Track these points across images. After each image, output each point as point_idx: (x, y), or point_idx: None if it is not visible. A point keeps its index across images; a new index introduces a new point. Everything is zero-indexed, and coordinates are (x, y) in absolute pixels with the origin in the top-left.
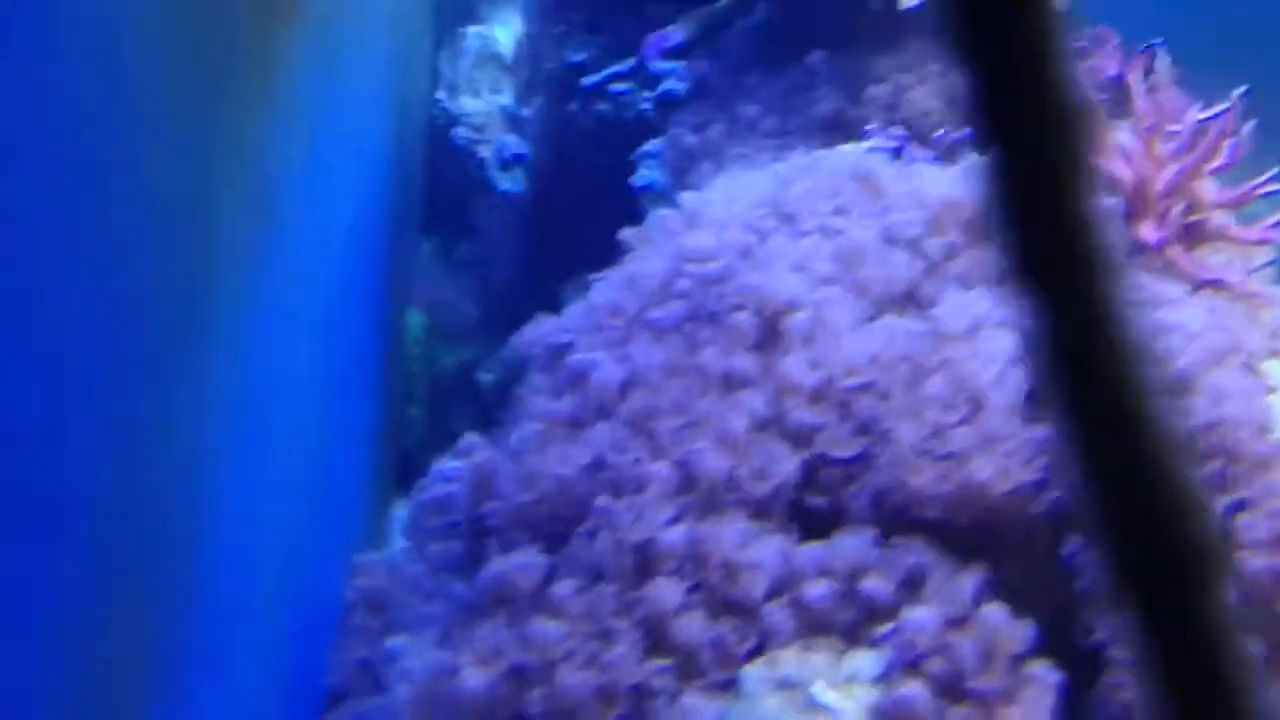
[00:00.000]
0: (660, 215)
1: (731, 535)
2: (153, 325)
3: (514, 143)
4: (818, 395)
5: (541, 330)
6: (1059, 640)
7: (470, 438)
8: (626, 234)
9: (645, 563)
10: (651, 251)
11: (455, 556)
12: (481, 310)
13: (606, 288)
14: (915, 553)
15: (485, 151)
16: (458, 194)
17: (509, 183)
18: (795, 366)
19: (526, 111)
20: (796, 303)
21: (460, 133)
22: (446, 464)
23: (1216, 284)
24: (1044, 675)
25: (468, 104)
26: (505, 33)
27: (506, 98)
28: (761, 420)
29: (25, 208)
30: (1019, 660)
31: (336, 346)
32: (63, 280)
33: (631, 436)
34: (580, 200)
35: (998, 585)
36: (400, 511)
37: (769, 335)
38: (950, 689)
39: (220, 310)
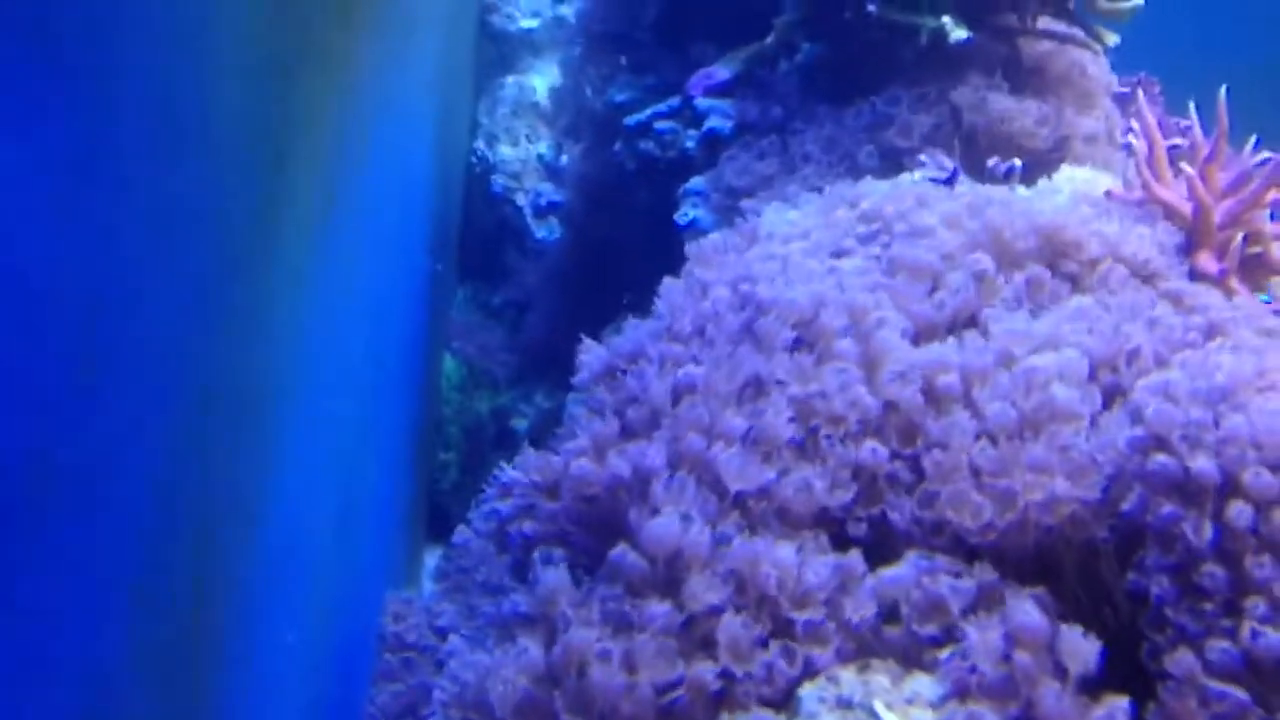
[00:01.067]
0: (721, 235)
1: (785, 552)
2: (219, 301)
3: (549, 190)
4: (868, 413)
5: (595, 352)
6: (1118, 662)
7: (527, 453)
8: (691, 249)
9: (684, 574)
10: (708, 270)
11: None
12: (516, 357)
13: (664, 307)
14: (975, 574)
15: (521, 199)
16: (494, 241)
17: (544, 230)
18: (845, 383)
19: (566, 156)
20: (853, 317)
21: (497, 180)
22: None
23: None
24: (1113, 700)
25: (505, 152)
26: (543, 81)
27: (543, 146)
28: (811, 436)
29: (115, 175)
30: (1085, 683)
31: (376, 383)
32: (143, 256)
33: (681, 449)
34: (623, 239)
35: (1058, 607)
36: (430, 559)
37: (822, 353)
38: (1013, 711)
39: (283, 294)
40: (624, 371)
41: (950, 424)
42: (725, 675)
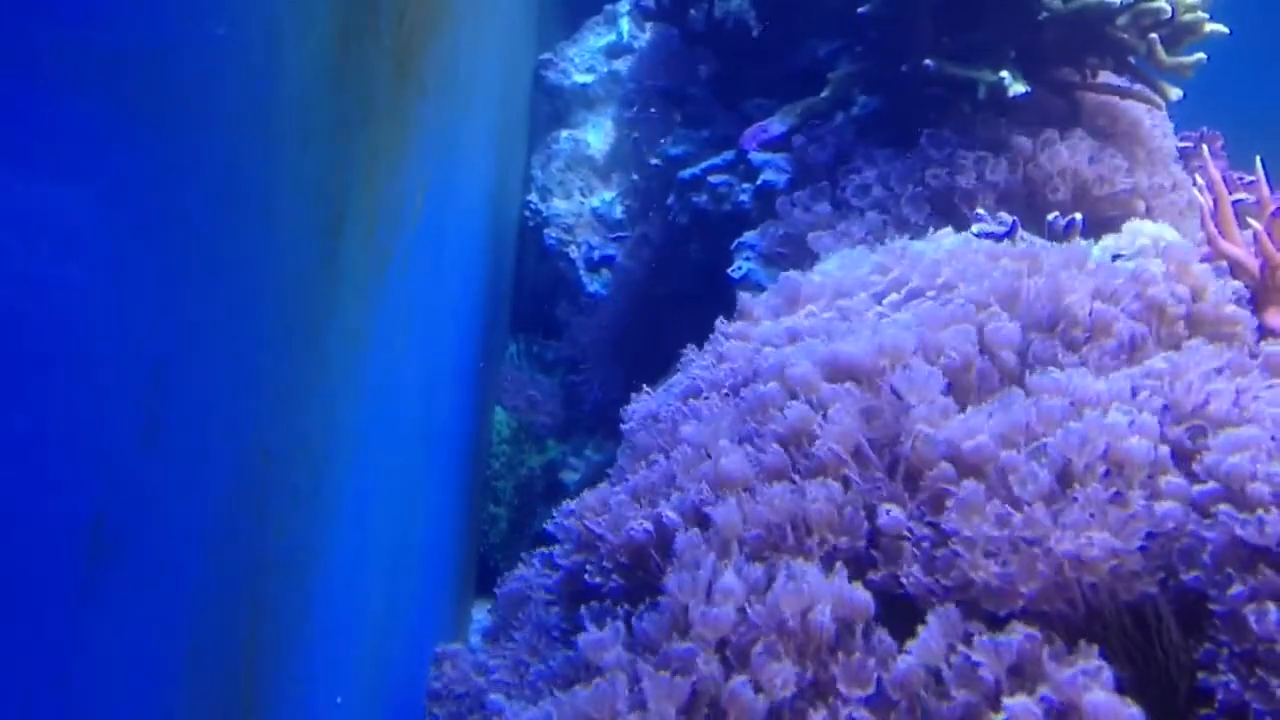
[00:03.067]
0: (766, 294)
1: (822, 616)
2: (278, 361)
3: (602, 244)
4: (904, 470)
5: (638, 405)
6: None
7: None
8: (746, 299)
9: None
10: (752, 327)
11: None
12: (567, 410)
13: (704, 365)
14: (1015, 635)
15: (574, 252)
16: (547, 294)
17: (597, 283)
18: (879, 440)
19: (619, 209)
20: (893, 368)
21: (550, 234)
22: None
23: None
24: None
25: (559, 206)
26: (597, 135)
27: (596, 199)
28: (844, 494)
29: (186, 226)
30: None
31: (428, 439)
32: (204, 317)
33: (712, 498)
34: (675, 292)
35: (1107, 671)
36: (478, 613)
37: (867, 411)
38: None
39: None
40: (658, 420)
41: (975, 487)
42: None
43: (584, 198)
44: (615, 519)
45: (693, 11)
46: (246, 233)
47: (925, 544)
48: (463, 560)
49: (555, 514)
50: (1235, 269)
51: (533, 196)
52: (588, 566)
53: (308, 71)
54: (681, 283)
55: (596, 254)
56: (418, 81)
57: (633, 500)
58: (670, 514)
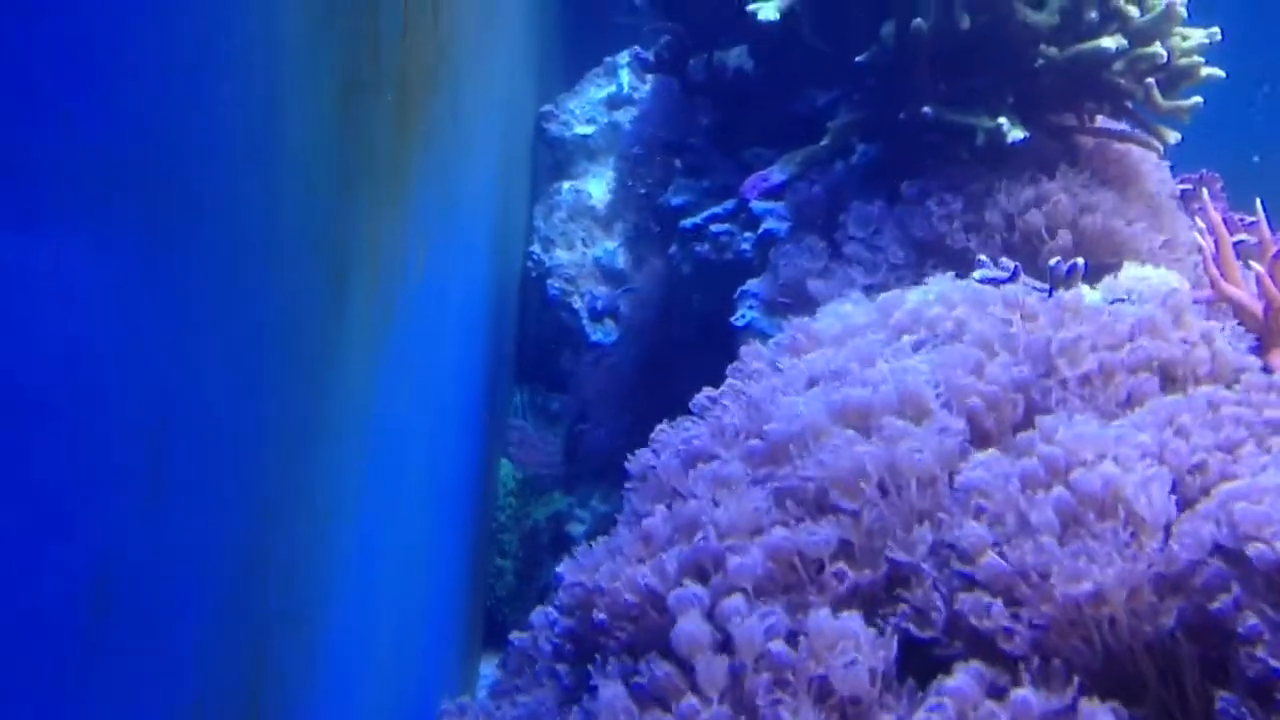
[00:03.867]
0: (769, 345)
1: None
2: (283, 414)
3: (605, 293)
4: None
5: (641, 458)
6: None
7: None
8: (747, 351)
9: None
10: (753, 383)
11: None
12: (572, 462)
13: (705, 424)
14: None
15: (578, 302)
16: (551, 344)
17: (600, 333)
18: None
19: (621, 259)
20: (912, 414)
21: (553, 285)
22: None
23: None
24: None
25: (561, 256)
26: (599, 186)
27: (599, 249)
28: (848, 546)
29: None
30: None
31: (434, 492)
32: (209, 368)
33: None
34: (678, 341)
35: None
36: (486, 667)
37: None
38: None
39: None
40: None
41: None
42: None
43: (586, 248)
44: (614, 575)
45: (692, 62)
46: (250, 285)
47: (943, 588)
48: (470, 614)
49: (560, 569)
50: (1238, 312)
51: (535, 247)
52: (592, 622)
53: (310, 126)
54: (686, 331)
55: (600, 304)
56: (419, 136)
57: (635, 556)
58: (671, 566)
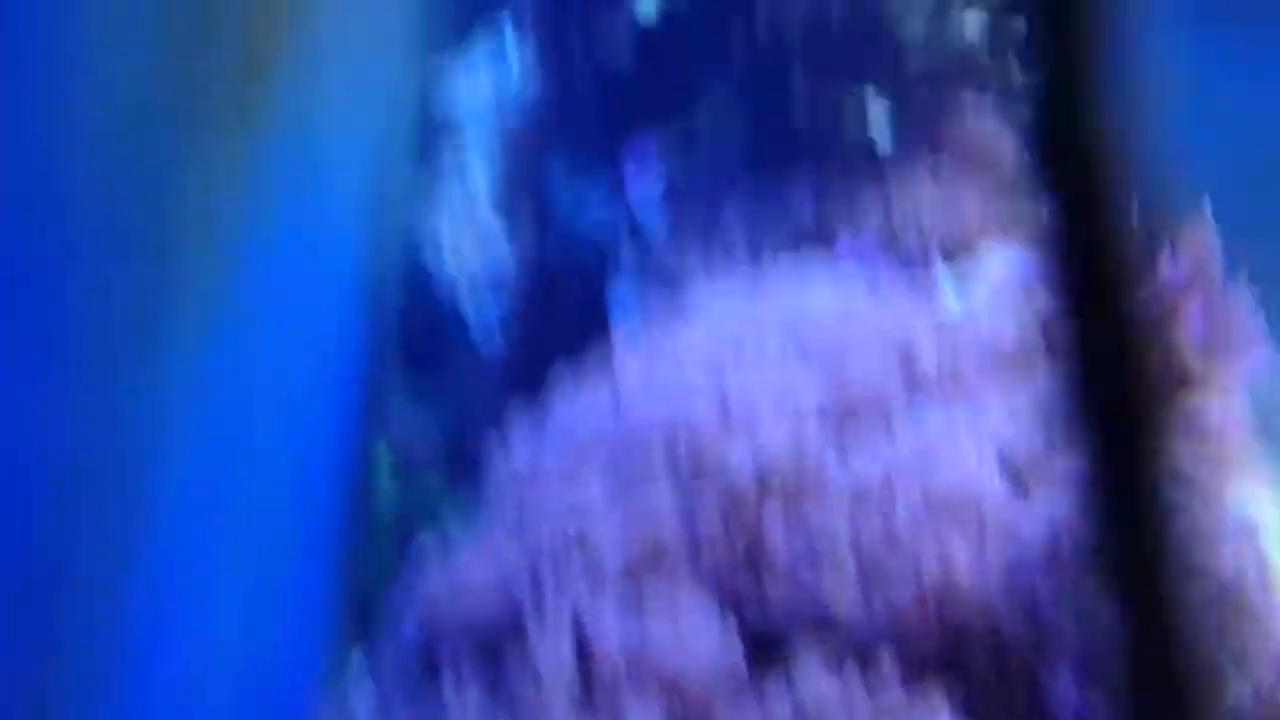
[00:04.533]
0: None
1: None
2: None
3: (488, 286)
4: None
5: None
6: None
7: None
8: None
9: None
10: (599, 383)
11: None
12: (449, 447)
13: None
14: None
15: (461, 290)
16: (433, 335)
17: (481, 325)
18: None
19: (507, 247)
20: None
21: (438, 275)
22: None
23: None
24: None
25: (444, 239)
26: (484, 173)
27: (483, 237)
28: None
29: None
30: None
31: (293, 481)
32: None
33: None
34: (556, 328)
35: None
36: (358, 657)
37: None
38: None
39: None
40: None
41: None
42: None
43: (471, 235)
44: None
45: (576, 51)
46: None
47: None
48: (341, 600)
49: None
50: None
51: (419, 232)
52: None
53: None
54: (564, 319)
55: (483, 296)
56: (268, 82)
57: (483, 555)
58: (519, 558)
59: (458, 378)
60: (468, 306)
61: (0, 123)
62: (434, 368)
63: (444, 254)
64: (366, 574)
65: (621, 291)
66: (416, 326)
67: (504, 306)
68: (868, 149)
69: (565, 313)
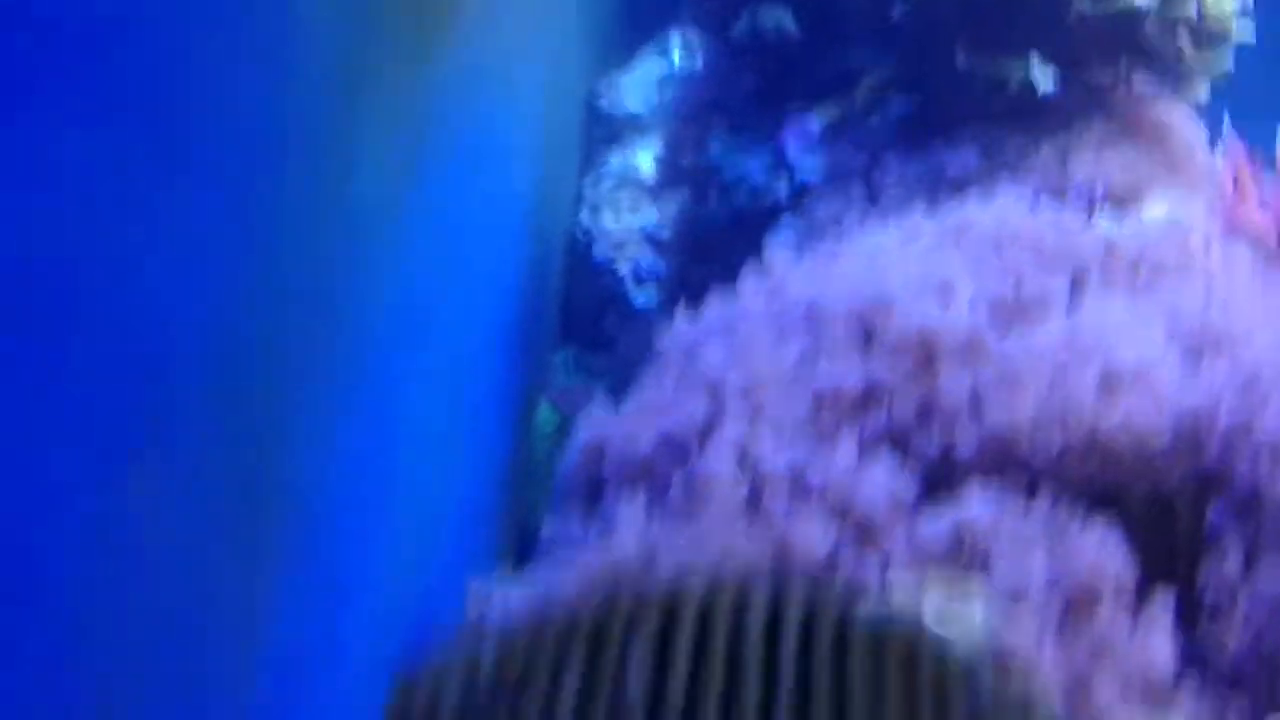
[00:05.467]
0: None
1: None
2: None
3: (649, 259)
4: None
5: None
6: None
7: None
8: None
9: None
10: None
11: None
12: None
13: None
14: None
15: (623, 268)
16: (596, 308)
17: (643, 296)
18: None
19: (668, 226)
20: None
21: (599, 249)
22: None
23: None
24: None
25: (608, 223)
26: (647, 157)
27: (645, 218)
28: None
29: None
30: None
31: (457, 431)
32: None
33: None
34: (710, 290)
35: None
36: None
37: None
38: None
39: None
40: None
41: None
42: None
43: (632, 215)
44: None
45: (736, 25)
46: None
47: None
48: (504, 545)
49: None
50: (1253, 237)
51: (583, 214)
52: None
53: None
54: (723, 281)
55: (644, 268)
56: (429, 79)
57: (648, 404)
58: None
59: (623, 351)
60: (631, 286)
61: (240, 65)
62: (599, 342)
63: (611, 238)
64: (526, 519)
65: (779, 243)
66: (584, 306)
67: (663, 267)
68: (1032, 109)
69: (723, 273)
